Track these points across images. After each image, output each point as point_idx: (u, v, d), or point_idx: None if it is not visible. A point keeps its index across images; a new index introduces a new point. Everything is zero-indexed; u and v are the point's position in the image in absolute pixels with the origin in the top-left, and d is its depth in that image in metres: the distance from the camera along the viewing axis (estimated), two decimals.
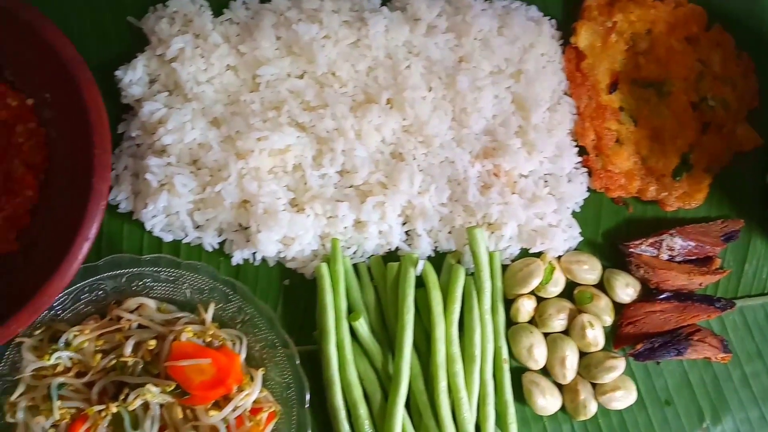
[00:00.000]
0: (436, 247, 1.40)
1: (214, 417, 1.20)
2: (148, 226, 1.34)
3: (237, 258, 1.36)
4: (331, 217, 1.35)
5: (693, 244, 1.41)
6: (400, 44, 1.41)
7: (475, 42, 1.41)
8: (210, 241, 1.36)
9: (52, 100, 1.26)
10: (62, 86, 1.22)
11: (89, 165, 1.16)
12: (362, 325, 1.31)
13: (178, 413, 1.21)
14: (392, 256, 1.40)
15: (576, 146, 1.45)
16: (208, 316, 1.29)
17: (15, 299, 1.17)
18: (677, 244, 1.41)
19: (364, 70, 1.39)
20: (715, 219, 1.47)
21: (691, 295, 1.41)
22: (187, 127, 1.31)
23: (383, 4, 1.46)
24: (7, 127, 1.27)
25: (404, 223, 1.39)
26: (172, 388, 1.20)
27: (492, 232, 1.38)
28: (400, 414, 1.27)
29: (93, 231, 1.16)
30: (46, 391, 1.22)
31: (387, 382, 1.31)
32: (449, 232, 1.39)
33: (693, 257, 1.43)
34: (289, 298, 1.38)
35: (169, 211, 1.33)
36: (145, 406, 1.21)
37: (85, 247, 1.15)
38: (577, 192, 1.43)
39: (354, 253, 1.38)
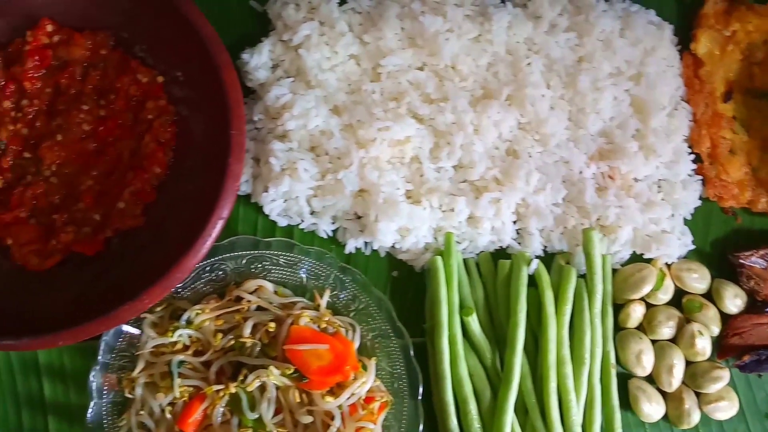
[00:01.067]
0: (545, 247, 1.40)
1: (331, 403, 1.21)
2: (266, 210, 1.35)
3: (350, 246, 1.37)
4: (446, 210, 1.35)
5: None
6: (521, 41, 1.40)
7: (597, 42, 1.41)
8: (325, 228, 1.36)
9: (183, 78, 1.27)
10: (197, 65, 1.23)
11: (226, 145, 1.17)
12: (474, 321, 1.31)
13: (295, 397, 1.22)
14: (501, 253, 1.40)
15: (691, 153, 1.44)
16: (323, 302, 1.30)
17: (143, 274, 1.18)
18: None
19: (484, 65, 1.39)
20: None
21: None
22: (311, 113, 1.32)
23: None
24: (137, 103, 1.29)
25: (515, 222, 1.39)
26: (291, 371, 1.21)
27: (605, 236, 1.37)
28: (510, 412, 1.27)
29: (227, 210, 1.17)
30: (164, 369, 1.23)
31: (495, 380, 1.31)
32: (562, 233, 1.38)
33: None
34: (397, 290, 1.38)
35: (289, 196, 1.34)
36: (262, 388, 1.22)
37: (219, 226, 1.16)
38: (690, 199, 1.41)
39: (464, 248, 1.38)
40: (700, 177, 1.44)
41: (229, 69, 1.20)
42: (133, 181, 1.25)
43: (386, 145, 1.33)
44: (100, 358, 1.24)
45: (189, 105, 1.27)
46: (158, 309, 1.26)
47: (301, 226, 1.37)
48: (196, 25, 1.20)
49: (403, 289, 1.39)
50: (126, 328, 1.25)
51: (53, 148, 1.26)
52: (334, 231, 1.38)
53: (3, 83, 1.28)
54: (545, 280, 1.33)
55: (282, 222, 1.37)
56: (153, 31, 1.26)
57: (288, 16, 1.37)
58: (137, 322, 1.26)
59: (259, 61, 1.36)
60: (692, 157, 1.43)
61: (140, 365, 1.23)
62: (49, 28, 1.28)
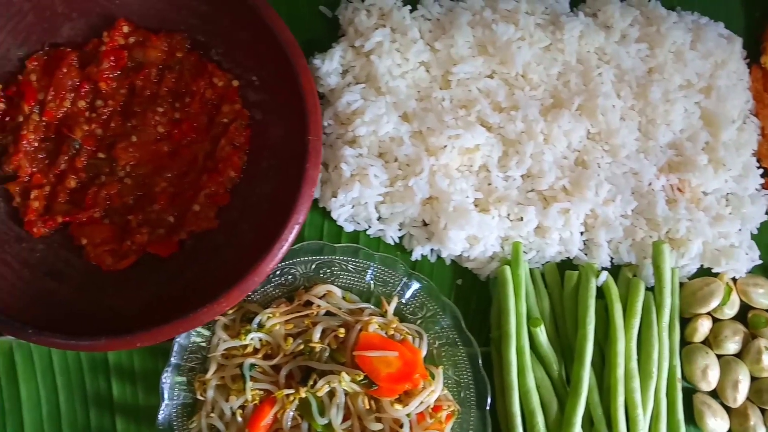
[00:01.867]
0: (612, 258, 1.39)
1: (401, 410, 1.21)
2: (334, 215, 1.35)
3: (416, 254, 1.36)
4: (514, 219, 1.34)
5: None
6: (592, 50, 1.40)
7: (668, 54, 1.40)
8: (392, 234, 1.36)
9: (258, 83, 1.28)
10: (273, 70, 1.24)
11: (303, 151, 1.17)
12: (542, 332, 1.31)
13: (365, 403, 1.22)
14: (566, 264, 1.39)
15: (759, 168, 1.43)
16: (391, 309, 1.30)
17: (217, 276, 1.19)
18: None
19: (554, 74, 1.38)
20: None
21: None
22: (383, 120, 1.32)
23: (572, 7, 1.45)
24: (213, 106, 1.29)
25: (582, 233, 1.38)
26: (362, 378, 1.21)
27: (674, 248, 1.37)
28: (578, 425, 1.26)
29: (303, 216, 1.17)
30: (235, 371, 1.24)
31: (562, 392, 1.30)
32: (630, 245, 1.37)
33: None
34: (460, 298, 1.38)
35: (358, 201, 1.34)
36: (331, 393, 1.22)
37: (295, 231, 1.16)
38: (757, 214, 1.40)
39: (531, 258, 1.37)
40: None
41: (308, 75, 1.20)
42: (207, 184, 1.25)
43: (456, 152, 1.33)
44: (172, 359, 1.24)
45: (263, 109, 1.28)
46: (230, 312, 1.27)
47: (368, 232, 1.37)
48: (276, 30, 1.20)
49: (467, 298, 1.38)
50: (198, 329, 1.26)
51: (128, 149, 1.27)
52: (401, 237, 1.38)
53: (78, 83, 1.29)
54: (614, 292, 1.32)
55: (348, 227, 1.37)
56: (230, 34, 1.27)
57: (360, 23, 1.37)
58: (208, 325, 1.26)
59: (330, 66, 1.36)
60: (760, 171, 1.42)
61: (213, 368, 1.23)
62: (126, 29, 1.29)
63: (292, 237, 1.16)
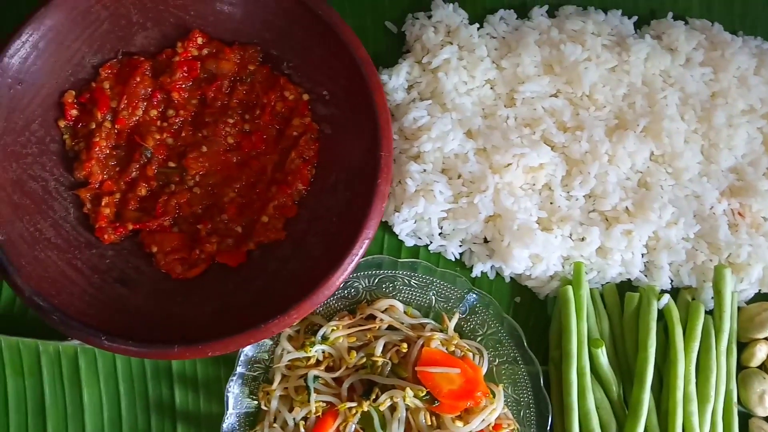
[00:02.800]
0: (672, 281, 1.39)
1: (462, 428, 1.21)
2: (396, 230, 1.36)
3: (477, 270, 1.37)
4: (576, 240, 1.35)
5: None
6: (657, 73, 1.40)
7: (732, 79, 1.40)
8: (453, 251, 1.37)
9: (329, 97, 1.29)
10: (345, 85, 1.25)
11: (374, 166, 1.18)
12: (603, 354, 1.31)
13: (426, 419, 1.23)
14: (625, 286, 1.39)
15: None
16: (452, 325, 1.30)
17: (285, 288, 1.20)
18: None
19: (620, 96, 1.39)
20: None
21: None
22: (449, 136, 1.33)
23: (636, 29, 1.46)
24: (283, 118, 1.31)
25: (643, 255, 1.38)
26: (424, 393, 1.22)
27: (734, 273, 1.37)
28: None
29: (373, 231, 1.18)
30: (298, 383, 1.25)
31: (620, 414, 1.30)
32: (692, 268, 1.37)
33: None
34: (518, 316, 1.38)
35: (421, 217, 1.35)
36: (392, 408, 1.23)
37: (365, 245, 1.17)
38: None
39: (592, 278, 1.38)
40: None
41: (380, 91, 1.21)
42: (276, 196, 1.26)
43: (520, 171, 1.34)
44: (238, 368, 1.25)
45: (333, 123, 1.29)
46: (295, 324, 1.28)
47: (429, 248, 1.38)
48: (351, 47, 1.21)
49: (525, 316, 1.39)
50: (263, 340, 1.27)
51: (198, 159, 1.28)
52: (461, 254, 1.39)
53: (151, 92, 1.30)
54: (675, 315, 1.32)
55: (410, 242, 1.38)
56: (303, 49, 1.28)
57: (427, 39, 1.38)
58: (274, 339, 1.28)
59: (397, 82, 1.37)
60: None
61: (278, 378, 1.24)
62: (200, 40, 1.31)
63: (362, 251, 1.17)
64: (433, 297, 1.32)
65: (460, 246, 1.38)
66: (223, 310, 1.21)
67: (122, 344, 1.13)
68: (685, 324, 1.34)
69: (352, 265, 1.17)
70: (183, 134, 1.30)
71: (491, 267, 1.38)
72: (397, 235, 1.37)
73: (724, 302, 1.33)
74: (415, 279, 1.32)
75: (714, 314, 1.34)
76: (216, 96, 1.31)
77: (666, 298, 1.34)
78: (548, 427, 1.27)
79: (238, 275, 1.25)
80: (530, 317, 1.39)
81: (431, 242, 1.37)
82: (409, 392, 1.21)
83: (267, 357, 1.28)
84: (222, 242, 1.26)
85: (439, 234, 1.37)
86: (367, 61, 1.22)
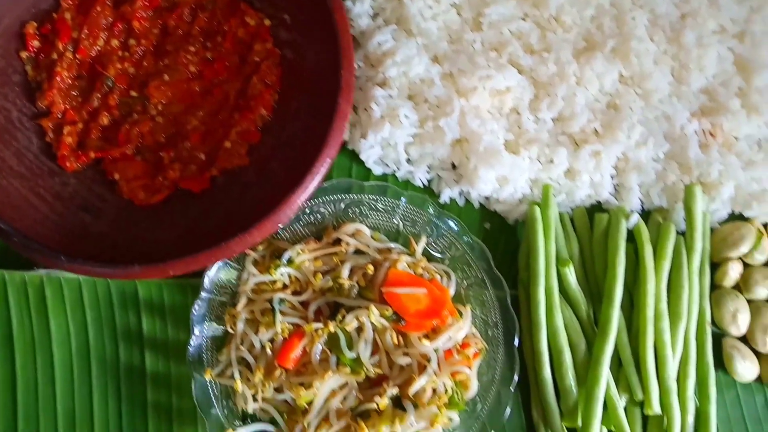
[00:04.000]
0: (643, 203, 1.38)
1: (429, 345, 1.21)
2: (363, 157, 1.35)
3: (445, 196, 1.37)
4: (545, 162, 1.34)
5: None
6: None
7: None
8: (421, 177, 1.36)
9: (291, 22, 1.28)
10: (306, 8, 1.24)
11: (336, 85, 1.18)
12: (571, 273, 1.31)
13: (393, 338, 1.23)
14: (596, 208, 1.39)
15: None
16: (419, 248, 1.30)
17: (248, 212, 1.19)
18: None
19: (588, 17, 1.37)
20: None
21: None
22: (413, 61, 1.32)
23: None
24: (245, 45, 1.30)
25: (612, 177, 1.38)
26: (389, 313, 1.22)
27: (705, 192, 1.36)
28: (606, 364, 1.26)
29: (335, 150, 1.17)
30: (265, 305, 1.25)
31: (590, 333, 1.30)
32: (662, 189, 1.36)
33: None
34: (488, 242, 1.37)
35: (387, 143, 1.34)
36: (359, 329, 1.23)
37: (327, 165, 1.17)
38: None
39: (561, 201, 1.37)
40: None
41: (341, 11, 1.20)
42: (239, 122, 1.26)
43: (487, 94, 1.33)
44: (202, 292, 1.25)
45: (294, 48, 1.28)
46: (260, 248, 1.28)
47: (396, 174, 1.37)
48: None
49: (495, 241, 1.38)
50: (228, 264, 1.27)
51: (160, 88, 1.28)
52: (429, 180, 1.38)
53: (112, 22, 1.30)
54: (645, 234, 1.31)
55: (377, 170, 1.37)
56: None
57: None
58: (239, 262, 1.28)
59: (361, 8, 1.36)
60: None
61: (242, 301, 1.24)
62: None
63: (324, 170, 1.17)
64: (400, 221, 1.32)
65: (428, 172, 1.37)
66: (187, 234, 1.22)
67: (83, 265, 1.13)
68: (656, 244, 1.33)
69: (314, 184, 1.16)
70: (145, 63, 1.30)
71: (459, 193, 1.37)
72: (365, 163, 1.37)
73: (695, 221, 1.32)
74: (381, 203, 1.31)
75: (686, 234, 1.34)
76: (177, 24, 1.30)
77: (635, 218, 1.34)
78: (515, 345, 1.27)
79: (202, 201, 1.25)
80: (500, 243, 1.38)
81: (399, 169, 1.37)
82: (375, 311, 1.20)
83: (234, 283, 1.28)
84: (185, 169, 1.26)
85: (407, 161, 1.37)
86: None
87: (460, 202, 1.38)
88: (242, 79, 1.28)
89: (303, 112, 1.25)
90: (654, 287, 1.29)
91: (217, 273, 1.27)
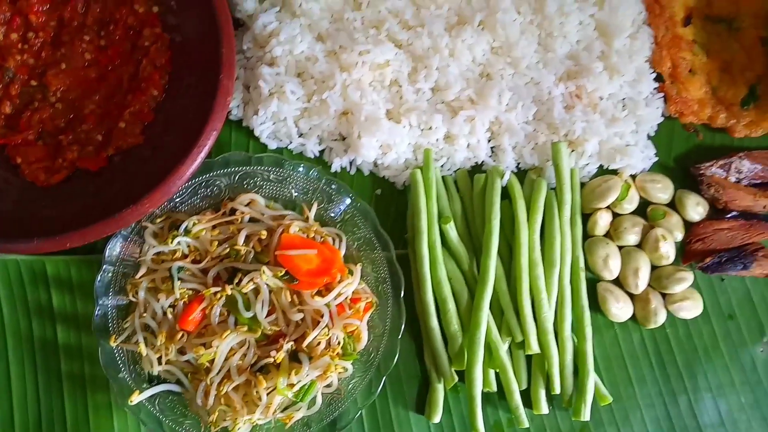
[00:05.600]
0: (518, 162, 1.50)
1: (320, 301, 1.31)
2: (256, 132, 1.45)
3: (336, 165, 1.47)
4: (425, 129, 1.45)
5: (760, 166, 1.50)
6: None
7: None
8: (312, 149, 1.46)
9: (177, 7, 1.37)
10: None
11: (217, 64, 1.27)
12: (452, 229, 1.42)
13: (287, 297, 1.32)
14: (477, 170, 1.50)
15: (653, 73, 1.54)
16: (311, 214, 1.40)
17: (144, 186, 1.27)
18: (745, 166, 1.50)
19: None
20: None
21: (757, 215, 1.50)
22: (297, 39, 1.42)
23: None
24: (135, 31, 1.38)
25: (489, 140, 1.49)
26: (282, 274, 1.31)
27: (573, 150, 1.48)
28: (485, 310, 1.37)
29: (220, 123, 1.26)
30: (165, 274, 1.33)
31: (472, 283, 1.41)
32: (533, 148, 1.48)
33: (759, 180, 1.51)
34: (380, 207, 1.48)
35: (277, 117, 1.44)
36: (256, 291, 1.32)
37: (213, 137, 1.26)
38: (653, 116, 1.52)
39: (443, 165, 1.48)
40: (662, 95, 1.54)
41: None
42: (132, 103, 1.34)
43: (367, 68, 1.43)
44: (104, 265, 1.34)
45: (182, 31, 1.37)
46: (159, 221, 1.36)
47: (290, 147, 1.47)
48: None
49: (386, 206, 1.49)
50: (129, 238, 1.36)
51: (58, 76, 1.36)
52: (321, 152, 1.48)
53: (10, 16, 1.37)
54: (517, 189, 1.43)
55: (272, 145, 1.47)
56: None
57: None
58: (140, 236, 1.36)
59: None
60: (654, 76, 1.53)
61: (142, 270, 1.33)
62: None
63: (210, 142, 1.26)
64: (293, 190, 1.41)
65: (319, 144, 1.47)
66: (86, 209, 1.29)
67: None
68: (529, 199, 1.44)
69: (201, 155, 1.25)
70: (43, 54, 1.38)
71: (350, 162, 1.47)
72: (259, 139, 1.46)
73: (563, 175, 1.44)
74: (273, 174, 1.40)
75: (556, 188, 1.45)
76: (72, 16, 1.38)
77: (508, 175, 1.45)
78: (401, 296, 1.37)
79: (100, 178, 1.33)
80: (391, 206, 1.49)
81: (291, 142, 1.46)
82: (268, 272, 1.30)
83: (137, 256, 1.37)
84: (83, 150, 1.34)
85: (299, 134, 1.46)
86: None
87: (351, 171, 1.49)
88: (134, 63, 1.37)
89: (191, 90, 1.33)
90: (527, 238, 1.40)
91: (116, 246, 1.35)
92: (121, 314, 1.35)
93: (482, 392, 1.37)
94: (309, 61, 1.43)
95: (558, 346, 1.39)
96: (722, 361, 1.48)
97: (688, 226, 1.50)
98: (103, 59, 1.37)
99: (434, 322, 1.39)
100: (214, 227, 1.36)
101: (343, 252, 1.38)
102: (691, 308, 1.46)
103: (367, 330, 1.37)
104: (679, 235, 1.49)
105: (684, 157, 1.55)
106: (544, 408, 1.39)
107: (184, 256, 1.35)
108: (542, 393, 1.39)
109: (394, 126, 1.42)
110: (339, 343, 1.32)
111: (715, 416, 1.47)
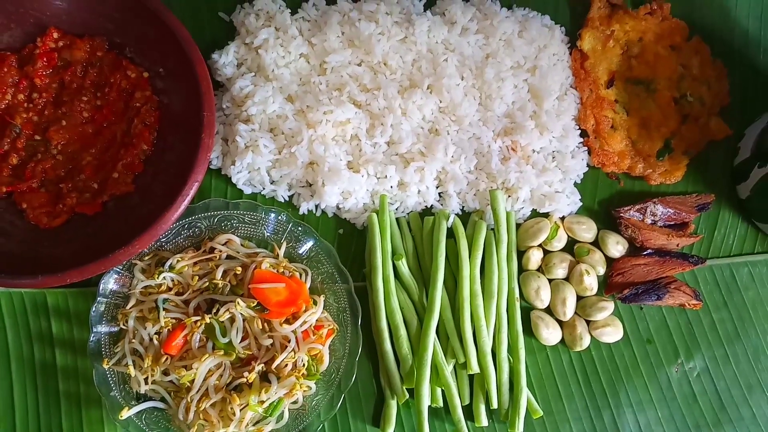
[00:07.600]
0: (463, 206, 1.72)
1: (287, 328, 1.51)
2: (234, 180, 1.66)
3: (303, 208, 1.68)
4: (381, 177, 1.67)
5: (672, 210, 1.73)
6: (439, 42, 1.73)
7: (500, 42, 1.74)
8: (282, 194, 1.67)
9: (164, 73, 1.58)
10: (175, 62, 1.54)
11: (199, 124, 1.47)
12: (403, 264, 1.63)
13: (258, 325, 1.51)
14: (427, 213, 1.71)
15: (578, 129, 1.77)
16: (281, 252, 1.60)
17: (135, 228, 1.47)
18: (659, 210, 1.73)
19: (410, 61, 1.71)
20: (691, 193, 1.79)
21: (669, 252, 1.73)
22: (269, 101, 1.63)
23: (426, 8, 1.79)
24: (127, 93, 1.59)
25: (437, 186, 1.71)
26: (255, 304, 1.51)
27: (509, 196, 1.70)
28: (432, 336, 1.57)
29: (201, 175, 1.46)
30: (152, 305, 1.52)
31: (422, 312, 1.62)
32: (475, 194, 1.70)
33: (672, 222, 1.75)
34: (342, 244, 1.69)
35: (252, 167, 1.65)
36: (231, 319, 1.51)
37: (195, 188, 1.46)
38: (578, 166, 1.75)
39: (397, 208, 1.69)
40: (587, 148, 1.77)
41: (201, 63, 1.50)
42: (124, 156, 1.55)
43: (331, 125, 1.65)
44: (99, 297, 1.53)
45: (169, 94, 1.58)
46: (147, 258, 1.56)
47: (263, 193, 1.68)
48: (174, 30, 1.50)
49: (348, 244, 1.69)
50: (121, 274, 1.55)
51: (59, 131, 1.56)
52: (290, 197, 1.69)
53: (17, 80, 1.58)
54: (460, 230, 1.65)
55: (247, 190, 1.68)
56: (139, 35, 1.57)
57: (250, 24, 1.69)
58: (130, 272, 1.55)
59: (226, 59, 1.67)
60: (579, 132, 1.77)
61: (132, 301, 1.52)
62: (56, 35, 1.58)
63: (192, 192, 1.46)
64: (265, 231, 1.62)
65: (289, 190, 1.68)
66: (83, 249, 1.48)
67: None
68: (471, 238, 1.66)
69: (185, 203, 1.45)
70: (46, 112, 1.58)
71: (315, 206, 1.69)
72: (236, 185, 1.67)
73: (500, 218, 1.66)
74: (248, 217, 1.61)
75: (495, 229, 1.67)
76: (72, 79, 1.59)
77: (452, 217, 1.67)
78: (358, 324, 1.57)
79: (95, 222, 1.53)
80: (352, 244, 1.70)
81: (264, 188, 1.67)
82: (242, 303, 1.49)
83: (127, 290, 1.56)
84: (81, 197, 1.53)
85: (270, 182, 1.67)
86: (188, 40, 1.51)
87: (317, 213, 1.70)
88: (126, 121, 1.57)
89: (177, 145, 1.54)
90: (470, 272, 1.62)
91: (110, 280, 1.54)
92: (112, 340, 1.54)
93: (429, 407, 1.57)
94: (280, 119, 1.65)
95: (496, 367, 1.60)
96: (642, 380, 1.69)
97: (610, 261, 1.73)
98: (99, 117, 1.58)
99: (388, 345, 1.59)
100: (195, 263, 1.56)
101: (308, 285, 1.58)
102: (612, 333, 1.68)
103: (328, 353, 1.56)
104: (602, 270, 1.71)
105: (606, 201, 1.78)
106: (484, 421, 1.59)
107: (169, 289, 1.54)
108: (482, 407, 1.59)
109: (353, 175, 1.63)
110: (304, 364, 1.51)
111: (636, 429, 1.67)
